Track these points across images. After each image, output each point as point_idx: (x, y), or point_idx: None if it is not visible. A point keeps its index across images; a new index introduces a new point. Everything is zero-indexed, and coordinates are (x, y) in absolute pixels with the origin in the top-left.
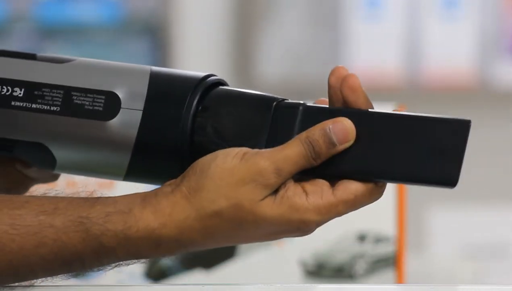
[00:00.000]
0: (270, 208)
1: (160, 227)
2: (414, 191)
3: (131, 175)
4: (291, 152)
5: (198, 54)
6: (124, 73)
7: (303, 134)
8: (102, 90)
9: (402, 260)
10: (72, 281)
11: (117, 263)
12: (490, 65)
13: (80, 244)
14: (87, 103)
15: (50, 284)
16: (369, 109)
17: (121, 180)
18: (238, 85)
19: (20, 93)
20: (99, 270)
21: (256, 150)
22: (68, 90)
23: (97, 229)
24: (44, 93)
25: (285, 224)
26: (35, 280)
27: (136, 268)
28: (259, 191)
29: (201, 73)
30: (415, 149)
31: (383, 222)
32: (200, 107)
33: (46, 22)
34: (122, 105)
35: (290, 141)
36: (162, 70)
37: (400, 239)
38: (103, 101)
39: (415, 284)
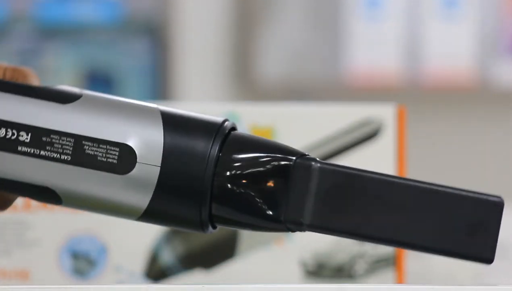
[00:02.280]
0: None
1: None
2: None
3: (145, 219)
4: None
5: (198, 54)
6: (136, 119)
7: None
8: (116, 142)
9: (402, 260)
10: (72, 281)
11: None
12: (490, 65)
13: None
14: (100, 154)
15: (50, 284)
16: (390, 177)
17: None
18: (239, 85)
19: (27, 139)
20: None
21: None
22: (79, 139)
23: None
24: (53, 140)
25: None
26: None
27: (136, 268)
28: None
29: (216, 119)
30: (448, 222)
31: None
32: (219, 160)
33: (46, 22)
34: (138, 160)
35: None
36: (174, 114)
37: None
38: (117, 153)
39: (415, 284)
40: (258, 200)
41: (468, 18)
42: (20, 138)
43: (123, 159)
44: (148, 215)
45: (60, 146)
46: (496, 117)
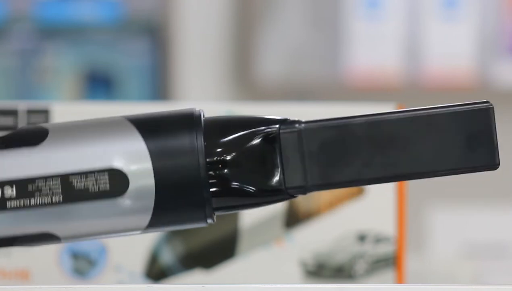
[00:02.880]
0: None
1: None
2: (414, 191)
3: (149, 230)
4: None
5: (198, 54)
6: (113, 137)
7: None
8: (102, 169)
9: (402, 260)
10: (72, 281)
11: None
12: (490, 65)
13: None
14: (90, 185)
15: (50, 284)
16: (374, 114)
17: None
18: (238, 85)
19: (13, 193)
20: None
21: None
22: (64, 177)
23: None
24: (39, 185)
25: None
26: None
27: (136, 268)
28: None
29: (186, 110)
30: (444, 142)
31: (383, 222)
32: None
33: (46, 22)
34: (130, 178)
35: None
36: (145, 119)
37: (400, 239)
38: (107, 179)
39: (415, 284)
40: (255, 176)
41: (468, 18)
42: (6, 194)
43: (115, 182)
44: (153, 226)
45: (48, 189)
46: (496, 117)
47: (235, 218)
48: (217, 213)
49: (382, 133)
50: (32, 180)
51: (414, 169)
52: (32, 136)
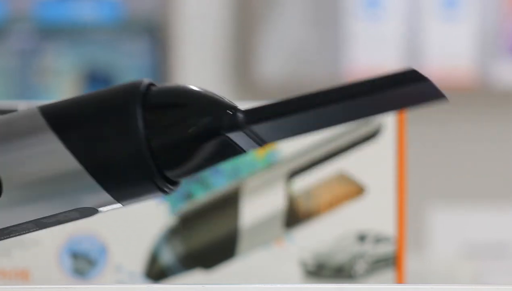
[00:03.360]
0: None
1: None
2: (414, 191)
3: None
4: None
5: (198, 54)
6: (59, 186)
7: None
8: (65, 211)
9: (402, 260)
10: (72, 281)
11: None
12: (490, 65)
13: None
14: (61, 218)
15: (50, 284)
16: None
17: None
18: (238, 85)
19: None
20: None
21: None
22: (38, 221)
23: None
24: (14, 229)
25: None
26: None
27: (136, 268)
28: None
29: (125, 86)
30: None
31: (383, 222)
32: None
33: (46, 22)
34: (94, 206)
35: None
36: (73, 129)
37: (400, 239)
38: (74, 212)
39: (415, 284)
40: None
41: (468, 18)
42: None
43: (83, 212)
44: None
45: (23, 229)
46: (496, 117)
47: (235, 218)
48: (180, 178)
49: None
50: (5, 230)
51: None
52: None
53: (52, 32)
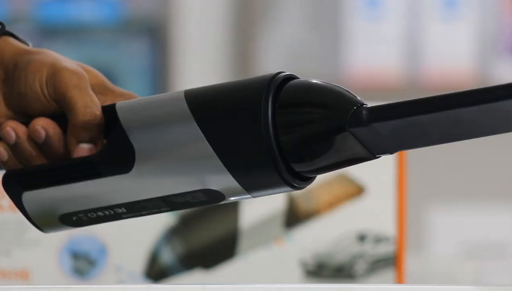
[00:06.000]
0: None
1: None
2: (414, 191)
3: None
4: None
5: (198, 54)
6: (192, 163)
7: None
8: (194, 191)
9: (402, 260)
10: (72, 281)
11: None
12: (489, 65)
13: None
14: (189, 199)
15: (50, 284)
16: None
17: None
18: None
19: (124, 210)
20: None
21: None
22: (164, 198)
23: None
24: (145, 204)
25: None
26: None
27: (136, 268)
28: None
29: (262, 81)
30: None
31: (383, 222)
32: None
33: (46, 22)
34: (221, 190)
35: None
36: (219, 134)
37: (400, 239)
38: (202, 194)
39: (415, 284)
40: (331, 146)
41: (468, 18)
42: (118, 211)
43: (210, 195)
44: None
45: (153, 206)
46: None
47: (235, 218)
48: (309, 175)
49: (447, 120)
50: (137, 203)
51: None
52: (121, 160)
53: (52, 32)
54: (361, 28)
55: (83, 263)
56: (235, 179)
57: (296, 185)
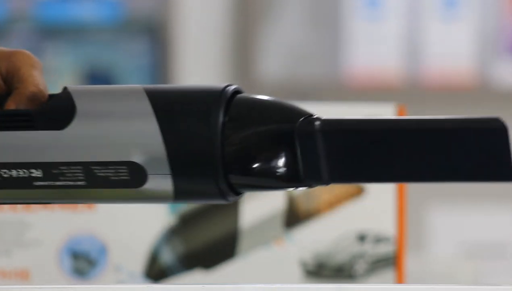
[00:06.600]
0: None
1: None
2: (414, 191)
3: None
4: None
5: (198, 54)
6: (132, 128)
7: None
8: (121, 161)
9: (402, 260)
10: (72, 281)
11: None
12: (490, 65)
13: None
14: (111, 174)
15: (50, 284)
16: (393, 123)
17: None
18: (239, 85)
19: (39, 174)
20: None
21: None
22: (86, 165)
23: None
24: (63, 171)
25: None
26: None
27: (136, 268)
28: None
29: (216, 87)
30: (460, 155)
31: (383, 222)
32: (225, 128)
33: (46, 22)
34: (148, 172)
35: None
36: (165, 100)
37: (400, 239)
38: (126, 171)
39: (415, 284)
40: (271, 164)
41: (468, 18)
42: (33, 175)
43: (134, 174)
44: (177, 201)
45: (71, 174)
46: None
47: (235, 218)
48: (240, 190)
49: (401, 142)
50: (56, 165)
51: (427, 177)
52: (60, 117)
53: (52, 32)
54: (361, 28)
55: (83, 263)
56: (169, 163)
57: (228, 195)
